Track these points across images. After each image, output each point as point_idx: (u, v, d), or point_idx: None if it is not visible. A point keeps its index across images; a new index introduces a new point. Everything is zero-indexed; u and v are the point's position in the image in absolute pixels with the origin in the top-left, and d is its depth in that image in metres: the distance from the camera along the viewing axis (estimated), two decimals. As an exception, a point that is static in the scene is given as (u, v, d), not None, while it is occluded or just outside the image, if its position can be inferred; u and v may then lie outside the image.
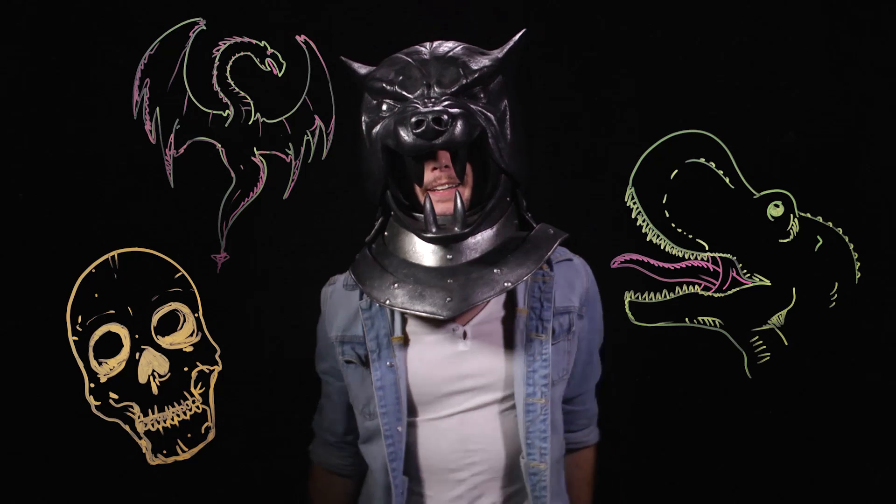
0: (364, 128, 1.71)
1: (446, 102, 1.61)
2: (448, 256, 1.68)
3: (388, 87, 1.66)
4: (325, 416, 1.90)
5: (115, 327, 2.34)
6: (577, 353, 1.80)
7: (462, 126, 1.59)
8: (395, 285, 1.68)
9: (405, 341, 1.72)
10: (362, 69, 1.75)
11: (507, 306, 1.72)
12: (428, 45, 1.73)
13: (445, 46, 1.72)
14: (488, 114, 1.65)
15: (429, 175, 1.67)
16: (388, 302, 1.67)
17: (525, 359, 1.68)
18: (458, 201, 1.64)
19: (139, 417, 2.36)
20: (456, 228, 1.64)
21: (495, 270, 1.67)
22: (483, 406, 1.69)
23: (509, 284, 1.65)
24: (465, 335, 1.70)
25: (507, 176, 1.69)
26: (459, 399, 1.69)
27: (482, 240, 1.68)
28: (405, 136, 1.58)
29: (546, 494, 1.67)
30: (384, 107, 1.68)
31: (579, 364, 1.82)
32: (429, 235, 1.64)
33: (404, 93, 1.65)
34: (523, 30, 1.75)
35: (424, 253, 1.69)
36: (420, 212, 1.69)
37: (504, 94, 1.71)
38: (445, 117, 1.57)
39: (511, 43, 1.73)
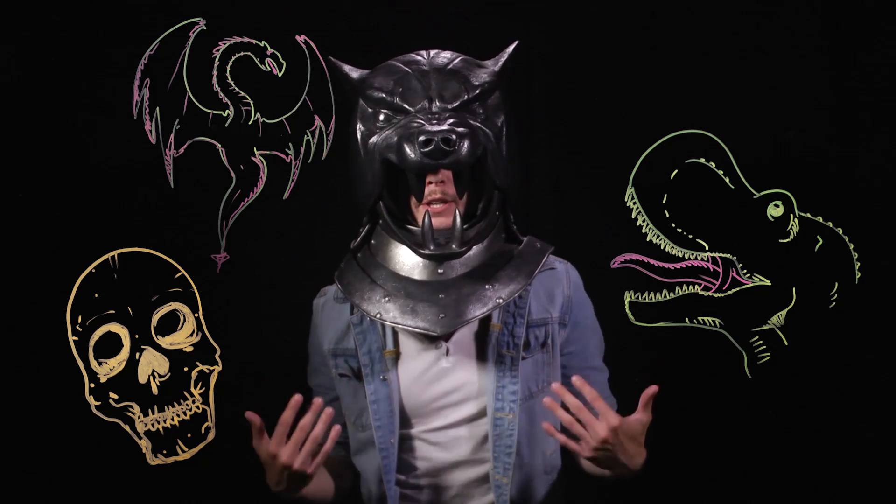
0: (359, 136, 1.69)
1: (451, 121, 1.60)
2: (439, 271, 1.68)
3: (388, 98, 1.65)
4: None
5: (115, 327, 2.34)
6: (571, 359, 1.79)
7: (468, 146, 1.59)
8: (386, 299, 1.68)
9: (397, 356, 1.72)
10: (354, 73, 1.73)
11: (483, 321, 1.71)
12: (425, 54, 1.72)
13: (443, 58, 1.70)
14: (487, 130, 1.65)
15: (426, 188, 1.66)
16: (379, 316, 1.67)
17: (495, 374, 1.69)
18: (457, 219, 1.64)
19: (139, 417, 2.36)
20: (454, 246, 1.63)
21: (487, 287, 1.67)
22: (466, 419, 1.71)
23: (501, 301, 1.66)
24: (447, 351, 1.70)
25: (500, 191, 1.69)
26: (445, 413, 1.70)
27: (473, 255, 1.68)
28: (411, 153, 1.58)
29: None
30: (381, 117, 1.66)
31: (576, 370, 1.79)
32: (426, 252, 1.64)
33: (405, 105, 1.64)
34: (516, 42, 1.75)
35: (415, 266, 1.69)
36: (413, 224, 1.69)
37: (501, 108, 1.70)
38: (454, 137, 1.57)
39: (505, 56, 1.73)
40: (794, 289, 2.45)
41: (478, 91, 1.66)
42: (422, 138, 1.56)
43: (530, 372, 1.72)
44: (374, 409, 1.70)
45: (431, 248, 1.63)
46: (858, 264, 2.43)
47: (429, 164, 1.58)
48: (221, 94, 2.41)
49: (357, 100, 1.72)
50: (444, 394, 1.70)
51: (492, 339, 1.70)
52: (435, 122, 1.60)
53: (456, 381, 1.70)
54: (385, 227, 1.71)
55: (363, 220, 1.75)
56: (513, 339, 1.71)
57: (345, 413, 1.79)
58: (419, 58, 1.71)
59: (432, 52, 1.72)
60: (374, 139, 1.66)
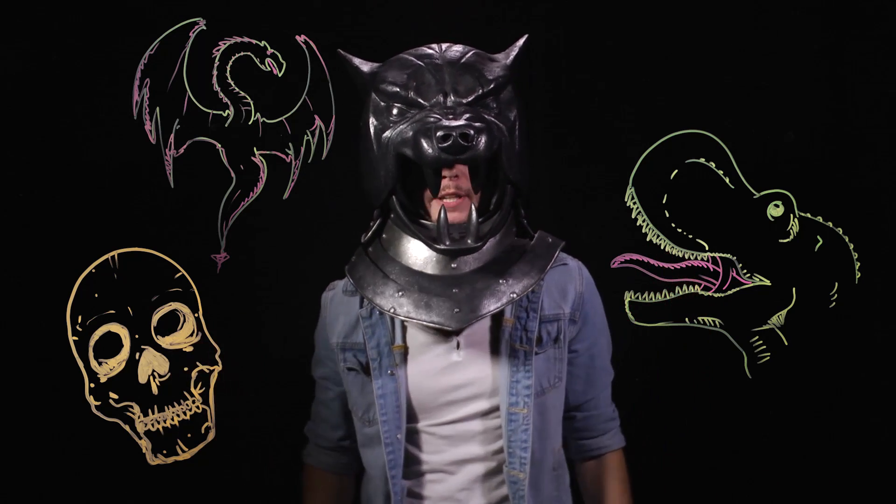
0: (371, 130, 1.69)
1: (467, 115, 1.61)
2: (453, 265, 1.68)
3: (402, 92, 1.65)
4: (320, 423, 1.90)
5: (115, 327, 2.34)
6: (577, 357, 1.79)
7: (485, 141, 1.60)
8: (400, 293, 1.68)
9: (405, 350, 1.72)
10: (365, 66, 1.74)
11: (495, 316, 1.71)
12: (437, 47, 1.72)
13: (456, 51, 1.71)
14: (501, 125, 1.66)
15: (441, 183, 1.67)
16: (393, 310, 1.67)
17: (509, 369, 1.68)
18: (473, 214, 1.64)
19: (139, 417, 2.36)
20: (469, 241, 1.64)
21: (500, 281, 1.67)
22: (475, 415, 1.70)
23: (515, 296, 1.66)
24: (458, 345, 1.70)
25: (513, 186, 1.70)
26: (454, 408, 1.70)
27: (485, 249, 1.68)
28: (428, 147, 1.58)
29: (523, 503, 1.68)
30: (395, 111, 1.66)
31: (581, 368, 1.80)
32: (442, 247, 1.64)
33: (420, 99, 1.64)
34: (525, 35, 1.76)
35: (428, 260, 1.69)
36: (426, 218, 1.69)
37: (513, 103, 1.71)
38: (472, 132, 1.57)
39: (517, 49, 1.74)
40: (794, 289, 2.45)
41: (492, 85, 1.67)
42: (440, 133, 1.57)
43: (542, 368, 1.72)
44: (381, 403, 1.69)
45: (447, 243, 1.64)
46: (858, 264, 2.43)
47: (446, 159, 1.59)
48: (221, 94, 2.41)
49: (368, 94, 1.72)
50: (454, 388, 1.69)
51: (505, 334, 1.70)
52: (451, 116, 1.60)
53: (467, 375, 1.70)
54: (397, 222, 1.71)
55: (374, 214, 1.75)
56: (526, 333, 1.71)
57: (352, 408, 1.79)
58: (431, 51, 1.71)
59: (444, 46, 1.72)
60: (387, 133, 1.66)
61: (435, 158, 1.59)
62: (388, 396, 1.70)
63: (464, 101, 1.63)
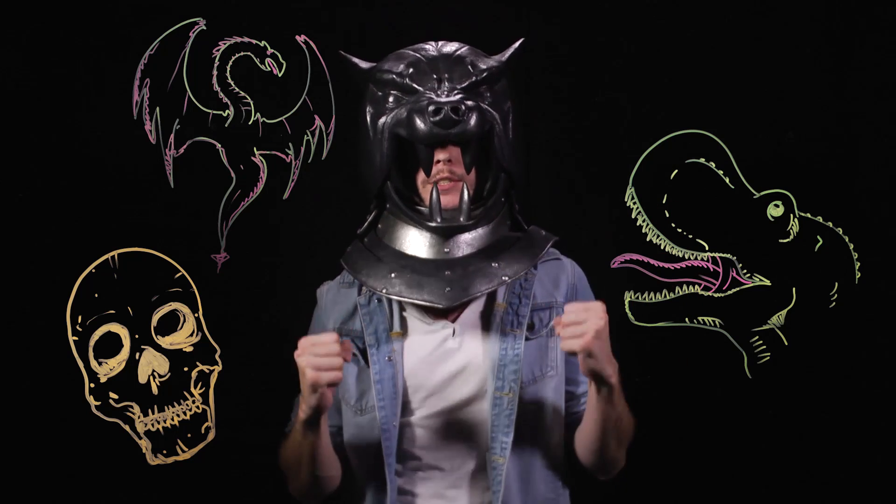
0: (368, 119, 1.74)
1: (459, 96, 1.65)
2: (445, 250, 1.72)
3: (398, 80, 1.71)
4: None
5: (115, 327, 2.34)
6: None
7: (476, 118, 1.65)
8: (393, 275, 1.71)
9: (403, 337, 1.73)
10: (364, 63, 1.78)
11: (488, 302, 1.74)
12: (433, 43, 1.77)
13: (451, 46, 1.77)
14: (494, 112, 1.70)
15: (434, 168, 1.70)
16: (385, 290, 1.70)
17: (498, 353, 1.70)
18: (465, 193, 1.68)
19: (139, 417, 2.36)
20: (461, 219, 1.68)
21: (493, 264, 1.71)
22: (468, 401, 1.71)
23: (507, 278, 1.69)
24: (454, 332, 1.72)
25: (506, 175, 1.73)
26: (449, 394, 1.70)
27: (478, 236, 1.72)
28: (421, 123, 1.64)
29: (500, 489, 1.67)
30: (391, 98, 1.72)
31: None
32: (433, 224, 1.68)
33: (415, 85, 1.70)
34: (521, 39, 1.79)
35: (422, 245, 1.73)
36: (420, 204, 1.72)
37: (507, 95, 1.76)
38: (463, 107, 1.62)
39: (511, 50, 1.79)
40: (794, 289, 2.45)
41: (485, 74, 1.72)
42: (431, 108, 1.63)
43: (534, 355, 1.73)
44: (378, 388, 1.70)
45: (438, 220, 1.67)
46: (858, 264, 2.43)
47: (438, 134, 1.64)
48: (221, 94, 2.41)
49: (367, 87, 1.76)
50: (451, 375, 1.70)
51: (496, 319, 1.72)
52: (444, 95, 1.65)
53: (461, 361, 1.71)
54: (393, 209, 1.75)
55: (370, 207, 1.78)
56: (517, 318, 1.73)
57: (343, 398, 1.79)
58: (428, 46, 1.77)
59: (440, 42, 1.77)
60: (383, 119, 1.72)
61: (427, 133, 1.64)
62: (385, 382, 1.71)
63: (458, 86, 1.67)
